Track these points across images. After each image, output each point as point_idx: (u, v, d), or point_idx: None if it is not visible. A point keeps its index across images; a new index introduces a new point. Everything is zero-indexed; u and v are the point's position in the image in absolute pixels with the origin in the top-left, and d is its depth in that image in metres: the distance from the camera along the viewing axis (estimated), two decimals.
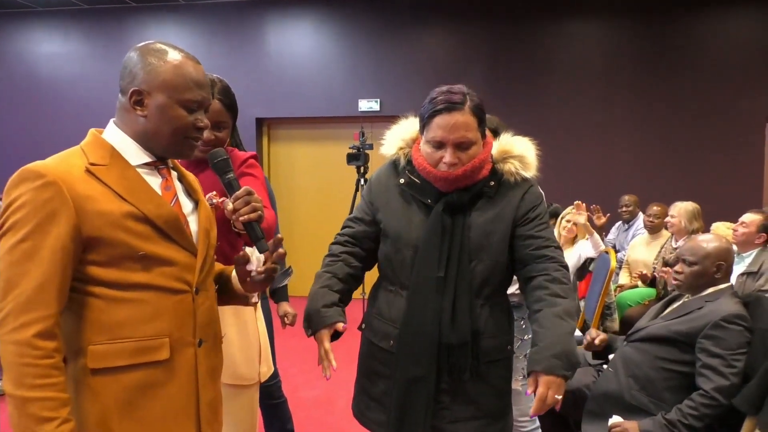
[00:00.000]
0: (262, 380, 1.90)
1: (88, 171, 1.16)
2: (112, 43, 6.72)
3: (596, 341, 2.45)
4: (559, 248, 1.59)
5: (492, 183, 1.58)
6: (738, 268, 3.42)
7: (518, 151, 1.61)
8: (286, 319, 2.60)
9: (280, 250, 1.29)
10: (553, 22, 6.05)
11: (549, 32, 6.06)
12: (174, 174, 1.31)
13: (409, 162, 1.63)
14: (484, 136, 1.57)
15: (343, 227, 1.73)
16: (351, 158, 5.28)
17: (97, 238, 1.13)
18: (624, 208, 5.20)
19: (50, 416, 1.06)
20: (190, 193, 1.32)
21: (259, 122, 6.62)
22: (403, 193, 1.62)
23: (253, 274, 1.32)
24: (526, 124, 5.99)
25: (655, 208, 4.53)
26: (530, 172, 1.61)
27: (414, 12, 6.24)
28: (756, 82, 5.76)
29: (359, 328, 1.76)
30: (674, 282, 2.32)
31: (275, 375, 2.60)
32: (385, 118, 6.46)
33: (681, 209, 4.02)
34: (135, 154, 1.23)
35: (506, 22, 6.10)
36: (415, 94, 6.23)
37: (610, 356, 2.44)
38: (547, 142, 5.70)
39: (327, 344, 1.51)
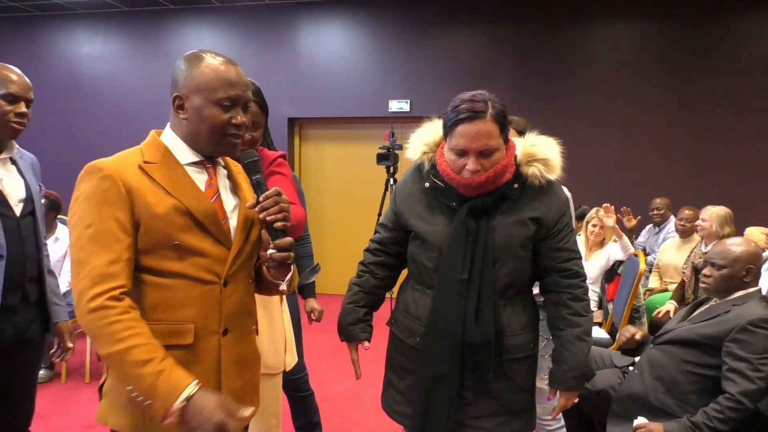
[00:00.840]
0: (287, 369, 1.97)
1: (140, 168, 1.28)
2: (150, 44, 6.91)
3: (637, 336, 2.49)
4: (580, 258, 1.67)
5: (516, 185, 1.61)
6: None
7: (543, 154, 1.62)
8: (312, 315, 2.66)
9: (283, 253, 1.32)
10: (582, 23, 6.02)
11: (578, 33, 6.03)
12: (223, 172, 1.40)
13: (433, 166, 1.66)
14: (506, 141, 1.59)
15: (375, 232, 1.83)
16: (381, 158, 5.34)
17: (142, 225, 1.24)
18: (655, 211, 5.15)
19: (149, 357, 1.16)
20: (236, 191, 1.40)
21: (291, 122, 6.73)
22: (428, 196, 1.66)
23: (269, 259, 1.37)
24: (555, 125, 5.94)
25: (686, 211, 4.48)
26: (555, 174, 1.63)
27: (444, 13, 6.27)
28: None
29: (388, 323, 1.82)
30: (703, 285, 2.32)
31: (302, 368, 2.67)
32: (415, 119, 6.44)
33: (712, 213, 3.97)
34: (184, 154, 1.33)
35: (535, 23, 6.08)
36: (445, 95, 6.25)
37: (637, 358, 2.45)
38: (576, 142, 5.71)
39: (354, 356, 1.81)
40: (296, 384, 2.66)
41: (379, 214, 5.52)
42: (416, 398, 1.64)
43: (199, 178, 1.34)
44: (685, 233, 4.48)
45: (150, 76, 6.87)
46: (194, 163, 1.33)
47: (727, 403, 2.03)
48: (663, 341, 2.30)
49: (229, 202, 1.37)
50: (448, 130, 1.56)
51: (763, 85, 5.68)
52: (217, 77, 1.28)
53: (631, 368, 2.43)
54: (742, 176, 5.71)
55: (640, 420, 2.19)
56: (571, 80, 6.05)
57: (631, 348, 2.52)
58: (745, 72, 5.72)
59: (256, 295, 1.49)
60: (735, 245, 2.27)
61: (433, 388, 1.60)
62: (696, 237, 4.38)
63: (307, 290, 2.64)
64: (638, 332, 2.50)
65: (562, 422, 2.43)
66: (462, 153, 1.54)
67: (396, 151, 5.36)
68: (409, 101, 6.36)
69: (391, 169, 5.41)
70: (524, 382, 1.68)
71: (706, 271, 2.30)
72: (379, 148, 5.37)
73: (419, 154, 1.71)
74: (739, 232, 4.07)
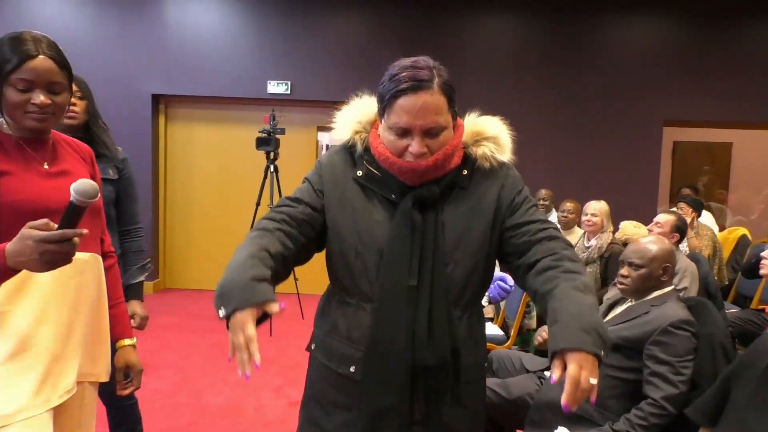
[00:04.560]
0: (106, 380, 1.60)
1: None
2: None
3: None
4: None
5: (465, 171, 1.36)
6: None
7: (492, 132, 1.38)
8: (132, 320, 2.18)
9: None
10: (468, 13, 5.99)
11: (464, 22, 5.99)
12: None
13: (366, 149, 1.37)
14: (455, 117, 1.33)
15: (279, 205, 1.39)
16: (261, 143, 4.92)
17: None
18: (541, 202, 5.23)
19: None
20: None
21: (156, 99, 6.03)
22: (361, 186, 1.36)
23: None
24: None
25: (568, 204, 4.57)
26: (506, 155, 1.39)
27: None
28: (654, 86, 6.02)
29: (308, 349, 1.48)
30: (620, 287, 2.24)
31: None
32: (296, 102, 6.13)
33: (601, 209, 4.05)
34: None
35: (421, 10, 5.95)
36: (329, 78, 5.94)
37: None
38: None
39: (251, 329, 1.09)
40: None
41: (258, 204, 5.10)
42: None
43: None
44: (567, 225, 4.56)
45: None
46: None
47: (650, 409, 1.96)
48: None
49: None
50: (385, 104, 1.26)
51: (630, 86, 6.01)
52: None
53: (546, 373, 2.31)
54: (612, 172, 6.02)
55: (562, 430, 2.07)
56: (456, 70, 5.98)
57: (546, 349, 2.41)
58: (615, 73, 6.01)
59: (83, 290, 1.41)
60: (651, 244, 2.22)
61: (378, 425, 1.30)
62: (577, 230, 4.48)
63: (131, 291, 2.17)
64: None
65: None
66: (404, 132, 1.26)
67: (277, 136, 4.97)
68: (289, 83, 5.95)
69: (272, 154, 5.02)
70: (478, 408, 1.44)
71: (623, 271, 2.22)
72: (259, 132, 4.95)
73: (350, 134, 1.39)
74: (615, 227, 4.22)
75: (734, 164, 8.66)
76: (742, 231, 5.18)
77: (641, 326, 2.08)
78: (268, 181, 5.04)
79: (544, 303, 1.25)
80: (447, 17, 5.97)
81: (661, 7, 6.00)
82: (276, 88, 5.95)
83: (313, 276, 6.02)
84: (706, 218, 5.21)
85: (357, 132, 1.39)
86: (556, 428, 2.09)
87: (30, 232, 1.14)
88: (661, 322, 2.04)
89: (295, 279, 4.94)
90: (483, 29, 6.01)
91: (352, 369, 1.34)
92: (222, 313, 1.12)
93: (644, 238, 2.31)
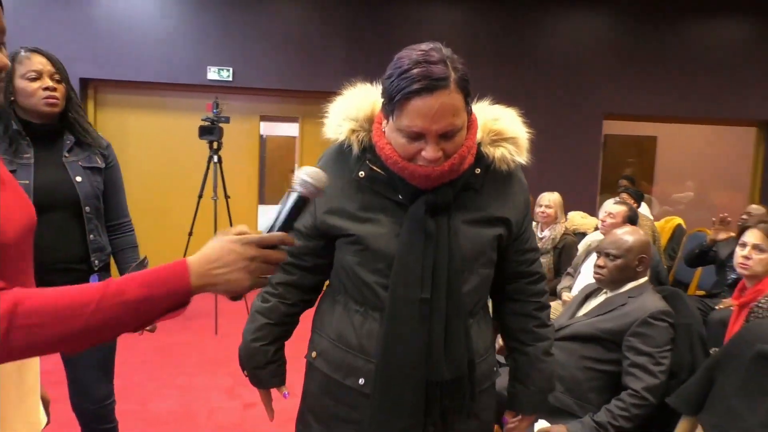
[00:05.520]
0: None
1: None
2: None
3: None
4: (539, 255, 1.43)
5: (477, 170, 1.25)
6: None
7: (511, 132, 1.28)
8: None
9: None
10: (411, 3, 5.93)
11: (410, 11, 5.93)
12: None
13: (365, 149, 1.24)
14: (470, 114, 1.21)
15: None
16: (204, 132, 4.67)
17: None
18: None
19: None
20: None
21: (84, 83, 5.62)
22: (363, 188, 1.23)
23: None
24: None
25: None
26: (524, 156, 1.30)
27: None
28: (596, 80, 6.18)
29: (307, 357, 1.35)
30: (596, 276, 2.24)
31: (110, 394, 2.14)
32: (239, 90, 5.88)
33: (555, 200, 4.09)
34: None
35: None
36: (272, 65, 5.73)
37: None
38: None
39: (266, 400, 1.43)
40: (102, 414, 2.10)
41: (200, 196, 4.84)
42: None
43: None
44: None
45: None
46: None
47: (631, 400, 1.96)
48: (561, 337, 2.18)
49: None
50: (395, 104, 1.12)
51: (573, 80, 6.14)
52: None
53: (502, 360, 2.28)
54: (556, 164, 6.14)
55: (542, 423, 2.05)
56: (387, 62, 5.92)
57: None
58: (558, 67, 6.12)
59: None
60: (627, 234, 2.23)
61: None
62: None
63: None
64: None
65: None
66: (417, 136, 1.13)
67: (221, 125, 4.73)
68: (231, 69, 5.69)
69: (215, 144, 4.77)
70: (490, 419, 1.37)
71: (599, 261, 2.22)
72: (202, 120, 4.69)
73: (345, 133, 1.25)
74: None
75: (659, 157, 9.07)
76: (678, 220, 5.40)
77: (620, 318, 2.08)
78: (211, 172, 4.80)
79: (512, 350, 1.42)
80: (393, 5, 5.88)
81: (602, 4, 6.15)
82: (217, 74, 5.68)
83: None
84: (644, 209, 5.40)
85: (354, 131, 1.25)
86: (536, 422, 2.06)
87: (230, 237, 0.89)
88: (640, 313, 2.04)
89: None
90: (427, 20, 5.97)
91: (361, 381, 1.23)
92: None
93: (620, 229, 2.32)
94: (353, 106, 1.26)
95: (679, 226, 5.36)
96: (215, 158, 4.77)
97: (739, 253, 2.66)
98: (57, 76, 1.86)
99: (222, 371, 3.76)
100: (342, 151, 1.27)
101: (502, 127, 1.27)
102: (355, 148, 1.24)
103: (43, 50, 1.86)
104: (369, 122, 1.25)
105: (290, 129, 9.15)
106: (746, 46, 6.38)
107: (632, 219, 3.66)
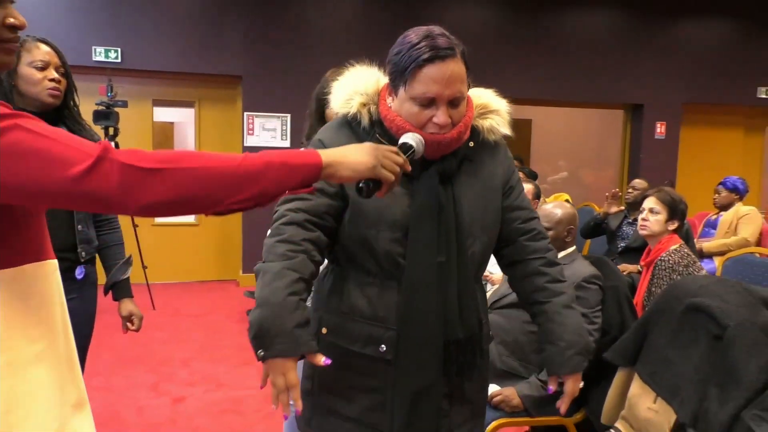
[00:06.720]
0: None
1: None
2: None
3: None
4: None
5: (471, 143, 1.34)
6: None
7: (495, 105, 1.39)
8: (131, 323, 1.98)
9: None
10: None
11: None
12: None
13: (374, 122, 1.30)
14: (469, 85, 1.32)
15: (293, 199, 1.25)
16: (99, 117, 4.35)
17: None
18: None
19: None
20: None
21: None
22: None
23: None
24: (287, 94, 5.71)
25: None
26: (508, 128, 1.40)
27: None
28: (490, 67, 6.49)
29: (315, 334, 1.34)
30: None
31: None
32: (129, 72, 5.51)
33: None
34: None
35: None
36: (163, 46, 5.43)
37: None
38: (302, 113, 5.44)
39: (293, 376, 1.10)
40: None
41: None
42: (393, 420, 1.27)
43: None
44: None
45: None
46: None
47: None
48: (502, 305, 2.33)
49: None
50: (408, 74, 1.21)
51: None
52: None
53: None
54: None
55: (492, 387, 2.18)
56: (296, 47, 5.83)
57: None
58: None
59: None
60: (556, 208, 2.41)
61: (416, 407, 1.25)
62: None
63: (122, 289, 1.96)
64: None
65: None
66: (429, 102, 1.22)
67: (117, 109, 4.43)
68: (119, 50, 5.32)
69: (111, 130, 4.47)
70: (486, 378, 1.47)
71: None
72: (96, 104, 4.37)
73: (356, 107, 1.30)
74: None
75: (534, 139, 9.74)
76: (565, 196, 5.85)
77: None
78: None
79: (536, 314, 1.42)
80: None
81: None
82: (103, 55, 5.29)
83: (161, 265, 5.55)
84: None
85: (364, 104, 1.31)
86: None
87: (366, 144, 1.09)
88: (574, 278, 2.22)
89: (144, 267, 4.51)
90: (323, 8, 5.94)
91: (382, 348, 1.27)
92: (261, 355, 1.11)
93: (548, 204, 2.50)
94: (361, 82, 1.33)
95: (567, 201, 5.83)
96: (112, 144, 4.46)
97: (640, 216, 2.96)
98: (62, 70, 1.83)
99: (142, 368, 3.60)
100: (347, 124, 1.32)
101: (486, 101, 1.38)
102: (365, 121, 1.30)
103: (50, 41, 1.83)
104: (377, 96, 1.32)
105: (184, 114, 8.61)
106: (615, 34, 6.99)
107: (539, 196, 3.94)
